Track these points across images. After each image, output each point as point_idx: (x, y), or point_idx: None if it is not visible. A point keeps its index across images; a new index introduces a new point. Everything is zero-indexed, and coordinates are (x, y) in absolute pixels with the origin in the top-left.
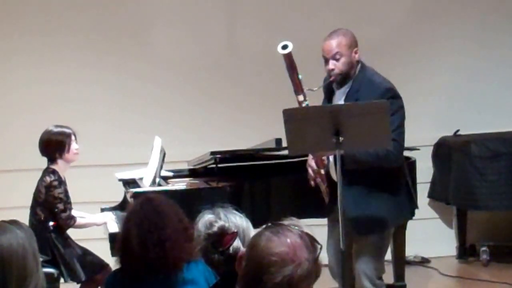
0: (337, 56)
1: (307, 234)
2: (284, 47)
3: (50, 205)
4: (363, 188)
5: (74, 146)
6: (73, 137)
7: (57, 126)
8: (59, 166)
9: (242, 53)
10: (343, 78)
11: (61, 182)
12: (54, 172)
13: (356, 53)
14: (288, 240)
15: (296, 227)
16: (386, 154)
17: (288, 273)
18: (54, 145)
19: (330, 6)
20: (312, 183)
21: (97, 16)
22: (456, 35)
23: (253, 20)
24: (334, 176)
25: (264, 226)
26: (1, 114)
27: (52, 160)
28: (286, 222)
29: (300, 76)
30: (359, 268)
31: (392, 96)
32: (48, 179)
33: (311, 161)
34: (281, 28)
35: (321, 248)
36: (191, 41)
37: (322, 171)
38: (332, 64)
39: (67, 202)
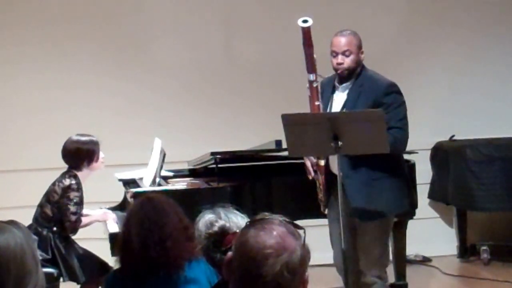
0: (347, 53)
1: (288, 222)
2: (304, 21)
3: (62, 206)
4: (366, 176)
5: (101, 154)
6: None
7: (82, 135)
8: (83, 173)
9: (239, 59)
10: (349, 73)
11: (80, 188)
12: (75, 176)
13: (362, 53)
14: (275, 232)
15: (278, 218)
16: (394, 142)
17: (285, 260)
18: (84, 154)
19: (324, 20)
20: (310, 176)
21: (101, 26)
22: (449, 49)
23: (249, 29)
24: (333, 168)
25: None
26: (5, 116)
27: (76, 167)
28: (261, 216)
29: (315, 55)
30: (364, 259)
31: (396, 91)
32: (68, 181)
33: None
34: (276, 37)
35: (305, 232)
36: (191, 49)
37: (322, 162)
38: (341, 58)
39: (80, 207)
